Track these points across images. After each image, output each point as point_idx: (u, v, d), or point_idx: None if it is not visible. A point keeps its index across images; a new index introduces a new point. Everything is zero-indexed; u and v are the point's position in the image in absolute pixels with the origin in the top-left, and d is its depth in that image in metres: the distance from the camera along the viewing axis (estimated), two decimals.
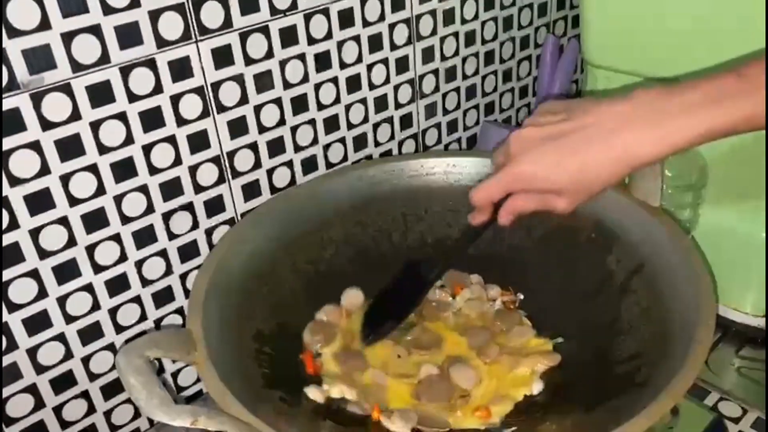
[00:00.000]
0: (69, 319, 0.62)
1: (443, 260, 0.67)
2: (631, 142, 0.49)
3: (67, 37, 0.54)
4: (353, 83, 0.74)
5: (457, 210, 0.73)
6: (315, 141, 0.74)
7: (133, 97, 0.59)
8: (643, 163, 0.50)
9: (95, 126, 0.58)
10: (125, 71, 0.58)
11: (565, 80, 0.88)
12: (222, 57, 0.63)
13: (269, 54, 0.66)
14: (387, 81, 0.78)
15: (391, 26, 0.75)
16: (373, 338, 0.64)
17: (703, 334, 0.49)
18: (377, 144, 0.80)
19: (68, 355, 0.63)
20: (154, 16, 0.58)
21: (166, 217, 0.65)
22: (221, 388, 0.48)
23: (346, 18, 0.71)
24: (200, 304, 0.56)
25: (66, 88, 0.55)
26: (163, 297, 0.68)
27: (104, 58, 0.56)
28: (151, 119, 0.61)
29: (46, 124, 0.55)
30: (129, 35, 0.57)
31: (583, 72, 0.89)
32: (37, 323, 0.60)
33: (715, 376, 0.72)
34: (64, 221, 0.59)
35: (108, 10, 0.55)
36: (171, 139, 0.63)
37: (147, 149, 0.62)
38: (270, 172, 0.71)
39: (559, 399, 0.58)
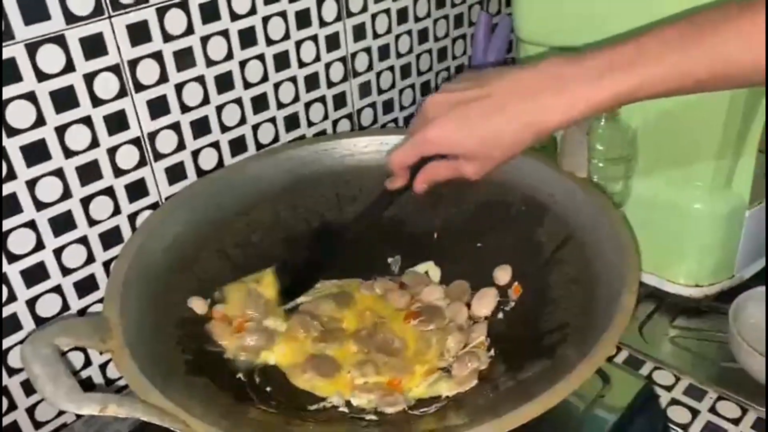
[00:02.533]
0: None
1: (358, 224, 0.66)
2: (537, 109, 0.50)
3: None
4: (281, 61, 0.72)
5: None
6: (243, 121, 0.72)
7: (42, 76, 0.56)
8: (549, 129, 0.51)
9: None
10: (32, 48, 0.55)
11: (499, 57, 0.88)
12: (138, 33, 0.61)
13: (189, 30, 0.64)
14: (317, 59, 0.76)
15: (320, 2, 0.73)
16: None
17: (626, 302, 0.49)
18: (310, 124, 0.79)
19: None
20: None
21: (85, 202, 0.63)
22: (136, 374, 0.46)
23: None
24: (118, 289, 0.54)
25: None
26: (86, 286, 0.65)
27: (8, 34, 0.53)
28: (64, 99, 0.58)
29: None
30: (35, 10, 0.54)
31: (516, 49, 0.89)
32: None
33: (650, 347, 0.72)
34: None
35: None
36: (86, 120, 0.60)
37: (60, 131, 0.59)
38: (195, 154, 0.69)
39: (489, 369, 0.57)
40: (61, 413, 0.66)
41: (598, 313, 0.50)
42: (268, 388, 0.57)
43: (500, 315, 0.63)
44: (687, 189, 0.72)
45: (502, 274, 0.65)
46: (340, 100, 0.81)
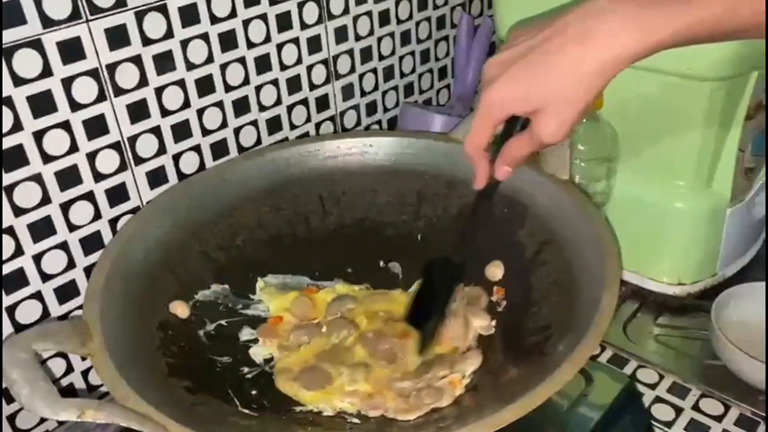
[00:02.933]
0: None
1: (462, 242, 0.58)
2: (609, 34, 0.43)
3: None
4: (263, 64, 0.72)
5: (376, 190, 0.73)
6: (224, 124, 0.72)
7: (19, 81, 0.56)
8: (625, 57, 0.44)
9: None
10: (8, 52, 0.55)
11: (481, 59, 0.88)
12: (117, 37, 0.60)
13: (169, 34, 0.64)
14: (299, 61, 0.76)
15: (300, 5, 0.73)
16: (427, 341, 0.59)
17: (606, 302, 0.49)
18: (293, 127, 0.78)
19: None
20: None
21: (65, 207, 0.62)
22: (115, 378, 0.46)
23: None
24: (98, 292, 0.53)
25: None
26: (67, 292, 0.65)
27: None
28: (42, 104, 0.58)
29: None
30: (10, 14, 0.54)
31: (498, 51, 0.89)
32: None
33: (634, 345, 0.73)
34: None
35: None
36: (65, 125, 0.60)
37: (38, 136, 0.58)
38: (176, 158, 0.69)
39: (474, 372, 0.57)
40: (42, 420, 0.66)
41: (581, 314, 0.50)
42: (253, 392, 0.57)
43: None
44: (668, 188, 0.73)
45: (495, 271, 0.64)
46: (322, 103, 0.80)
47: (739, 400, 0.65)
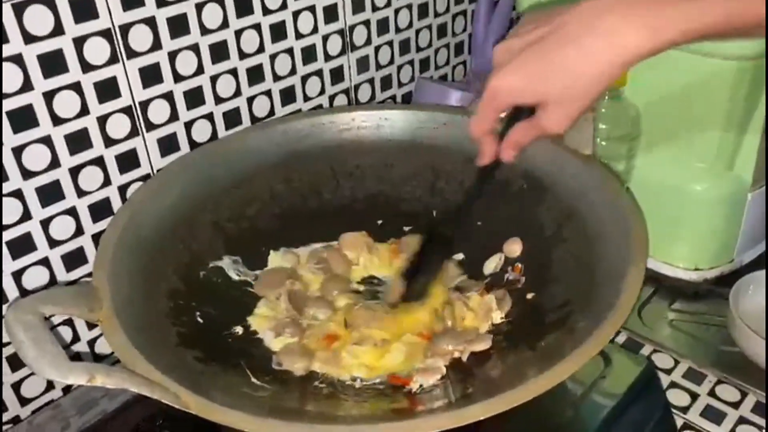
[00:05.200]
0: None
1: (458, 214, 0.59)
2: (619, 28, 0.42)
3: None
4: (278, 31, 0.70)
5: (390, 165, 0.71)
6: (238, 92, 0.70)
7: (30, 38, 0.54)
8: (634, 55, 0.43)
9: None
10: (19, 8, 0.53)
11: (500, 35, 0.86)
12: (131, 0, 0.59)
13: None
14: (315, 30, 0.74)
15: None
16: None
17: (632, 279, 0.48)
18: (306, 98, 0.77)
19: None
20: None
21: (74, 172, 0.61)
22: (125, 344, 0.45)
23: None
24: (108, 258, 0.52)
25: None
26: (75, 259, 0.63)
27: None
28: (52, 63, 0.56)
29: None
30: None
31: None
32: None
33: (648, 330, 0.71)
34: None
35: None
36: (76, 86, 0.58)
37: (48, 97, 0.57)
38: (188, 126, 0.67)
39: (493, 348, 0.56)
40: (48, 389, 0.64)
41: (604, 291, 0.49)
42: (265, 363, 0.56)
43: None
44: (688, 170, 0.71)
45: (514, 247, 0.63)
46: (337, 75, 0.79)
47: (756, 387, 0.64)
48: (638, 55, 0.43)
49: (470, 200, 0.56)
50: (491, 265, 0.64)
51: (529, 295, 0.58)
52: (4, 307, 0.60)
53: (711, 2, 0.42)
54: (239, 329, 0.59)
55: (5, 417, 0.62)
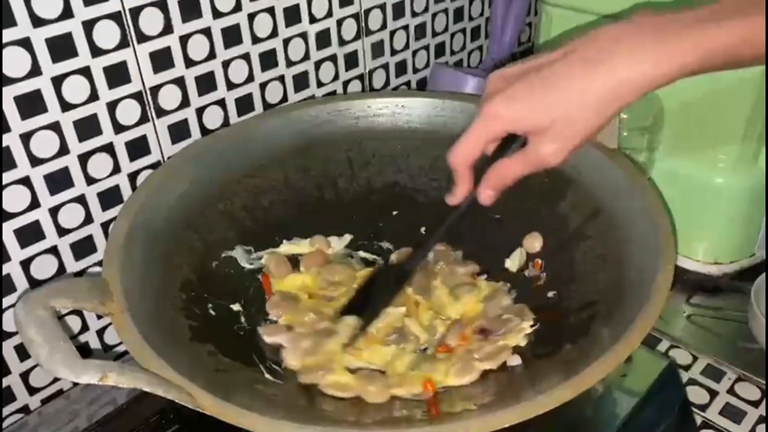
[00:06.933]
0: None
1: (418, 253, 0.57)
2: (623, 63, 0.41)
3: None
4: (292, 14, 0.68)
5: (407, 154, 0.70)
6: (250, 78, 0.68)
7: (38, 22, 0.52)
8: (637, 90, 0.42)
9: None
10: None
11: (519, 20, 0.84)
12: None
13: None
14: (329, 14, 0.72)
15: None
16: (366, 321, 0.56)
17: (662, 281, 0.46)
18: (320, 84, 0.75)
19: None
20: None
21: (83, 159, 0.59)
22: (138, 340, 0.43)
23: None
24: (118, 250, 0.51)
25: None
26: (84, 247, 0.62)
27: None
28: (61, 47, 0.54)
29: None
30: None
31: (537, 12, 0.85)
32: None
33: (666, 324, 0.70)
34: None
35: None
36: (85, 71, 0.56)
37: (57, 82, 0.55)
38: (200, 112, 0.65)
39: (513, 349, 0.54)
40: (57, 378, 0.64)
41: (631, 292, 0.47)
42: (276, 358, 0.54)
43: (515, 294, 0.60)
44: (710, 162, 0.70)
45: (533, 242, 0.61)
46: (351, 60, 0.77)
47: None
48: (646, 83, 0.42)
49: (431, 241, 0.54)
50: (514, 261, 0.62)
51: (550, 293, 0.57)
52: (13, 297, 0.59)
53: (717, 32, 0.41)
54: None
55: (13, 407, 0.61)
